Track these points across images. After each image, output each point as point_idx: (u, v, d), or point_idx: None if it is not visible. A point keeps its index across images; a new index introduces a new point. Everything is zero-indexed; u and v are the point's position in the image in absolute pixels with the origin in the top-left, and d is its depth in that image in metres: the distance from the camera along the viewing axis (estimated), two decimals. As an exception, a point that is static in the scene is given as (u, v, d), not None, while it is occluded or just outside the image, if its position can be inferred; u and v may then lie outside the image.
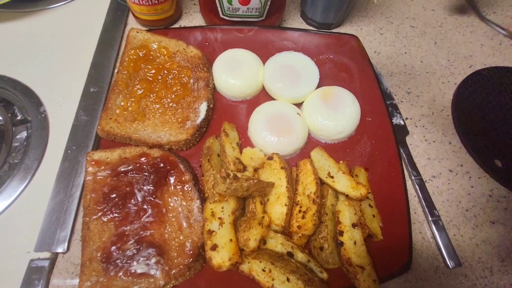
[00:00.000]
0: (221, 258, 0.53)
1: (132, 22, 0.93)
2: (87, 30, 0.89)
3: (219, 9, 0.82)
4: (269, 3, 0.80)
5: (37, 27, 0.90)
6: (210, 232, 0.56)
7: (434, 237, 0.67)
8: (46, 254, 0.62)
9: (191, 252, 0.55)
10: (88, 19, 0.92)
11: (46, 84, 0.81)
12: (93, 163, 0.61)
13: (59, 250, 0.62)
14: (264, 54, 0.80)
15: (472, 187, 0.74)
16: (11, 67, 0.82)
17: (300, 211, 0.59)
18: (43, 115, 0.77)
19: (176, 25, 0.93)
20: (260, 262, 0.55)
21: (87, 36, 0.88)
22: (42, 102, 0.79)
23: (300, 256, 0.57)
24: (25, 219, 0.66)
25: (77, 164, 0.70)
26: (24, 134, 0.76)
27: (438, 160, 0.77)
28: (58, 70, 0.83)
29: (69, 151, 0.71)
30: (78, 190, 0.67)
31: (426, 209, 0.69)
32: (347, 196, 0.63)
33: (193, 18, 0.95)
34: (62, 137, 0.73)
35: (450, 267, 0.63)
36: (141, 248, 0.54)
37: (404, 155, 0.75)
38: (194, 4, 0.97)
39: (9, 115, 0.78)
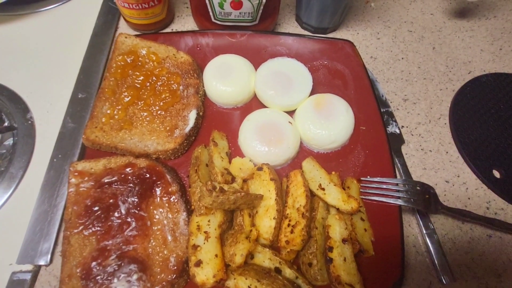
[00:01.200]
0: (205, 275, 0.52)
1: (123, 26, 0.91)
2: (77, 34, 0.88)
3: (210, 13, 0.80)
4: (261, 7, 0.78)
5: (25, 31, 0.88)
6: (195, 247, 0.54)
7: (428, 251, 0.65)
8: (29, 267, 0.61)
9: (175, 267, 0.54)
10: (79, 23, 0.90)
11: (33, 89, 0.79)
12: (76, 174, 0.60)
13: (42, 262, 0.60)
14: (257, 60, 0.78)
15: (469, 198, 0.72)
16: (-1, 72, 0.81)
17: (289, 225, 0.57)
18: (29, 121, 0.75)
19: (168, 29, 0.91)
20: (246, 279, 0.53)
21: (77, 40, 0.87)
22: (29, 108, 0.77)
23: (288, 272, 0.55)
24: (8, 229, 0.64)
25: (63, 173, 0.68)
26: (10, 141, 0.75)
27: (435, 170, 0.75)
28: (47, 75, 0.82)
29: (55, 160, 0.70)
30: (62, 200, 0.65)
31: (421, 222, 0.67)
32: (338, 209, 0.61)
33: (186, 22, 0.93)
34: (48, 145, 0.72)
35: (444, 283, 0.61)
36: (122, 264, 0.52)
37: (399, 165, 0.73)
38: (187, 7, 0.95)
39: (-5, 121, 0.76)
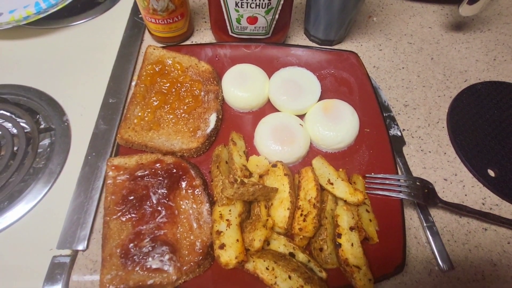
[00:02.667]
0: (228, 256, 0.58)
1: (148, 38, 1.00)
2: (106, 46, 0.97)
3: (228, 27, 0.89)
4: (274, 22, 0.87)
5: (61, 42, 0.97)
6: (219, 232, 0.61)
7: (428, 242, 0.71)
8: (67, 252, 0.67)
9: (201, 250, 0.60)
10: (108, 36, 0.99)
11: (68, 95, 0.88)
12: (113, 168, 0.67)
13: (79, 248, 0.67)
14: (270, 69, 0.86)
15: (465, 195, 0.78)
16: (37, 79, 0.89)
17: (301, 214, 0.64)
18: (65, 123, 0.84)
19: (188, 41, 1.00)
20: (264, 261, 0.59)
21: (106, 51, 0.95)
22: (65, 111, 0.85)
23: (301, 256, 0.62)
24: (48, 219, 0.71)
25: (97, 169, 0.76)
26: (47, 141, 0.83)
27: (434, 169, 0.81)
28: (80, 82, 0.90)
29: (89, 157, 0.78)
30: (97, 193, 0.73)
31: (421, 216, 0.73)
32: (345, 201, 0.67)
33: (204, 35, 1.02)
34: (83, 144, 0.79)
35: (444, 270, 0.67)
36: (155, 246, 0.59)
37: (400, 164, 0.80)
38: (205, 21, 1.05)
39: (34, 122, 0.84)
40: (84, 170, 0.76)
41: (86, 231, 0.69)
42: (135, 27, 1.01)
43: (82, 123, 0.83)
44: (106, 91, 0.88)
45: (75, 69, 0.93)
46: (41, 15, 0.94)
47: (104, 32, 1.00)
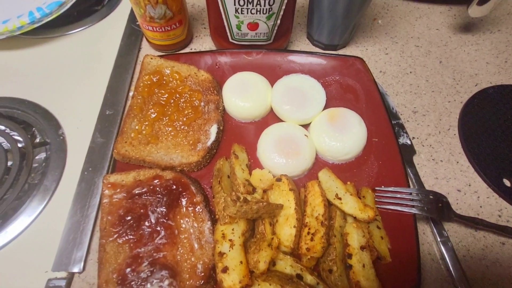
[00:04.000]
0: (232, 280, 0.55)
1: (145, 47, 0.97)
2: (102, 55, 0.94)
3: (228, 34, 0.86)
4: (276, 28, 0.83)
5: (56, 52, 0.95)
6: (221, 254, 0.58)
7: (443, 258, 0.67)
8: (63, 274, 0.64)
9: (202, 274, 0.57)
10: (104, 45, 0.96)
11: (64, 107, 0.85)
12: (109, 185, 0.64)
13: (75, 270, 0.64)
14: (272, 76, 0.83)
15: (480, 207, 0.74)
16: (32, 91, 0.87)
17: (308, 233, 0.60)
18: (61, 137, 0.81)
19: (187, 49, 0.97)
20: (270, 284, 0.56)
21: (103, 61, 0.93)
22: (60, 124, 0.82)
23: (309, 278, 0.58)
24: (43, 238, 0.68)
25: (93, 185, 0.73)
26: (43, 155, 0.80)
27: (446, 180, 0.77)
28: (76, 94, 0.87)
29: (85, 173, 0.75)
30: (94, 211, 0.70)
31: (435, 230, 0.69)
32: (355, 218, 0.64)
33: (203, 41, 0.99)
34: (79, 159, 0.76)
35: (460, 289, 0.63)
36: (154, 270, 0.55)
37: (411, 175, 0.76)
38: (204, 28, 1.01)
39: (29, 137, 0.82)
40: (80, 186, 0.73)
41: (82, 252, 0.66)
42: (133, 35, 0.98)
43: (78, 137, 0.80)
44: (102, 102, 0.85)
45: (71, 80, 0.90)
46: (36, 25, 0.91)
47: (101, 40, 0.98)
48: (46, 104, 0.85)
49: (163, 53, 0.90)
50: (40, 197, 0.73)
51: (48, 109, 0.84)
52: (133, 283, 0.54)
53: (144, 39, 0.97)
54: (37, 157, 0.80)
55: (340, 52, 0.97)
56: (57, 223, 0.69)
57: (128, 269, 0.55)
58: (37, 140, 0.82)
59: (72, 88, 0.88)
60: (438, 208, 0.67)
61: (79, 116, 0.84)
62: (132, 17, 1.02)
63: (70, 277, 0.64)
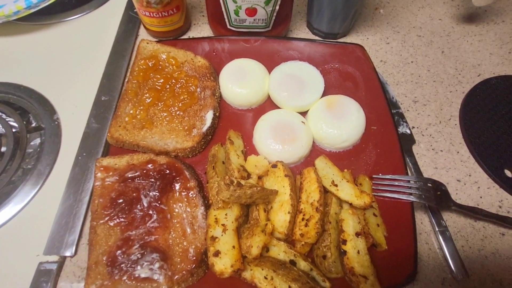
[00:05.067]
0: (223, 264, 0.54)
1: (143, 34, 0.96)
2: (100, 42, 0.93)
3: (226, 20, 0.84)
4: (275, 14, 0.82)
5: (52, 39, 0.94)
6: (213, 238, 0.57)
7: (441, 248, 0.66)
8: (55, 258, 0.64)
9: (194, 258, 0.56)
10: (101, 31, 0.95)
11: (60, 93, 0.84)
12: (102, 169, 0.63)
13: (67, 253, 0.63)
14: (270, 63, 0.82)
15: (481, 197, 0.73)
16: (28, 77, 0.86)
17: (303, 219, 0.59)
18: (56, 122, 0.80)
19: (185, 36, 0.96)
20: (262, 269, 0.55)
21: (100, 47, 0.92)
22: (55, 110, 0.82)
23: (303, 264, 0.57)
24: (36, 223, 0.68)
25: (87, 170, 0.72)
26: (37, 140, 0.79)
27: (446, 170, 0.76)
28: (72, 80, 0.87)
29: (79, 157, 0.74)
30: (87, 195, 0.69)
31: (433, 219, 0.67)
32: (351, 204, 0.63)
33: (202, 29, 0.97)
34: (73, 144, 0.76)
35: (458, 279, 0.62)
36: (145, 253, 0.55)
37: (410, 164, 0.74)
38: (203, 15, 1.00)
39: (24, 122, 0.81)
40: (74, 171, 0.72)
41: (74, 236, 0.65)
42: (130, 22, 0.97)
43: (73, 122, 0.80)
44: (98, 88, 0.84)
45: (67, 66, 0.89)
46: (32, 10, 0.90)
47: (98, 27, 0.97)
48: (42, 89, 0.84)
49: (160, 40, 0.89)
50: (34, 181, 0.72)
51: (44, 95, 0.84)
52: (123, 265, 0.53)
53: (142, 26, 0.96)
54: (32, 143, 0.79)
55: (340, 40, 0.95)
56: (50, 208, 0.68)
57: (119, 251, 0.54)
58: (32, 125, 0.81)
59: (68, 74, 0.88)
60: (437, 196, 0.66)
61: (74, 102, 0.83)
62: (130, 4, 1.01)
63: (62, 261, 0.64)
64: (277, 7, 0.80)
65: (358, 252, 0.56)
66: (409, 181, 0.67)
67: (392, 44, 0.96)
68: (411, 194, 0.65)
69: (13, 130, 0.78)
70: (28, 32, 0.95)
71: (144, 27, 0.93)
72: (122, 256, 0.54)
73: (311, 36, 0.97)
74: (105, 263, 0.54)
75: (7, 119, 0.80)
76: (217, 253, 0.55)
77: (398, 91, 0.87)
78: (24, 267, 0.62)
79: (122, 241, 0.55)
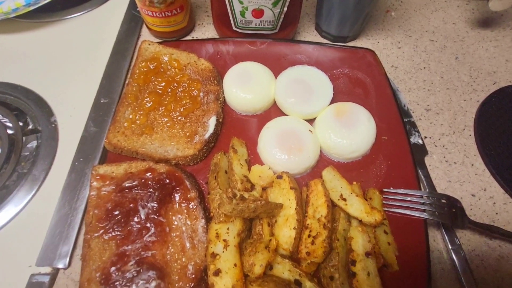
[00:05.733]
0: (224, 284, 0.50)
1: (145, 34, 0.93)
2: (100, 41, 0.90)
3: (231, 21, 0.81)
4: (282, 16, 0.78)
5: (52, 37, 0.91)
6: (214, 255, 0.53)
7: (454, 268, 0.62)
8: (47, 269, 0.61)
9: (193, 276, 0.53)
10: (102, 30, 0.92)
11: (58, 94, 0.81)
12: (98, 177, 0.60)
13: (60, 265, 0.60)
14: (277, 67, 0.78)
15: (496, 213, 0.69)
16: (26, 76, 0.83)
17: (309, 235, 0.56)
18: (53, 125, 0.77)
19: (188, 37, 0.92)
20: (266, 290, 0.51)
21: (100, 47, 0.89)
22: (53, 112, 0.79)
23: (309, 285, 0.53)
24: (29, 231, 0.65)
25: (84, 177, 0.69)
26: (34, 143, 0.76)
27: (460, 183, 0.72)
28: (71, 81, 0.83)
29: (76, 163, 0.71)
30: (83, 203, 0.66)
31: (446, 237, 0.64)
32: (360, 220, 0.59)
33: (206, 30, 0.94)
34: (70, 148, 0.73)
35: (473, 302, 0.58)
36: (141, 270, 0.51)
37: (422, 177, 0.71)
38: (208, 15, 0.97)
39: (21, 124, 0.78)
40: (70, 177, 0.69)
41: (68, 247, 0.62)
42: (132, 21, 0.94)
43: (71, 125, 0.77)
44: (98, 90, 0.81)
45: (67, 66, 0.86)
46: (32, 7, 0.87)
47: (99, 26, 0.93)
48: (40, 90, 0.81)
49: (163, 41, 0.86)
50: (28, 187, 0.69)
51: (41, 96, 0.81)
52: (117, 283, 0.50)
53: (144, 26, 0.93)
54: (28, 145, 0.77)
55: (350, 44, 0.92)
56: (44, 215, 0.65)
57: (113, 268, 0.51)
58: (29, 127, 0.78)
59: (67, 75, 0.84)
60: (452, 214, 0.62)
61: (73, 104, 0.80)
62: (132, 3, 0.97)
63: (55, 273, 0.61)
64: (285, 9, 0.76)
65: (368, 274, 0.52)
66: (422, 197, 0.63)
67: (403, 49, 0.92)
68: (424, 210, 0.62)
69: (9, 132, 0.75)
70: (27, 30, 0.92)
71: (147, 26, 0.90)
72: (117, 273, 0.51)
73: (320, 39, 0.93)
74: (98, 281, 0.50)
75: (2, 120, 0.77)
76: (217, 272, 0.51)
77: (409, 99, 0.84)
78: (15, 279, 0.60)
79: (117, 256, 0.52)
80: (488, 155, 0.75)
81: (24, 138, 0.76)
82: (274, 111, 0.76)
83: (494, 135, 0.77)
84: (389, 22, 0.98)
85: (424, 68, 0.89)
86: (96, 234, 0.55)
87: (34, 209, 0.67)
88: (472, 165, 0.75)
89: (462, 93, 0.85)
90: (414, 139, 0.76)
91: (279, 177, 0.62)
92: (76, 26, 0.93)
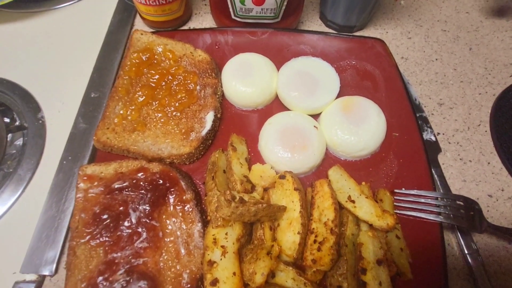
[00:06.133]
0: (222, 296, 0.46)
1: (139, 24, 0.87)
2: (92, 32, 0.85)
3: (230, 9, 0.75)
4: (285, 3, 0.73)
5: (40, 28, 0.86)
6: (211, 263, 0.49)
7: (471, 275, 0.58)
8: (33, 276, 0.57)
9: (189, 285, 0.49)
10: (94, 21, 0.87)
11: (46, 88, 0.77)
12: (85, 178, 0.56)
13: (46, 272, 0.56)
14: (279, 59, 0.74)
15: (516, 215, 0.64)
16: (11, 70, 0.79)
17: (315, 241, 0.51)
18: (40, 121, 0.72)
19: (185, 27, 0.87)
20: (268, 302, 0.47)
21: (91, 38, 0.84)
22: (40, 107, 0.74)
23: (314, 295, 0.49)
24: (13, 235, 0.61)
25: (72, 177, 0.65)
26: (21, 141, 0.72)
27: (476, 183, 0.67)
28: (60, 74, 0.79)
29: (64, 162, 0.66)
30: (71, 205, 0.62)
31: (462, 241, 0.59)
32: (370, 224, 0.54)
33: (204, 19, 0.89)
34: (58, 146, 0.69)
35: (492, 312, 0.54)
36: (131, 280, 0.47)
37: (435, 176, 0.66)
38: (205, 4, 0.91)
39: (8, 120, 0.74)
40: (57, 177, 0.65)
41: (55, 252, 0.58)
42: (126, 11, 0.89)
43: (59, 121, 0.72)
44: (88, 84, 0.76)
45: (55, 59, 0.81)
46: (17, -4, 0.82)
47: (90, 16, 0.88)
48: (26, 84, 0.77)
49: (157, 31, 0.81)
50: (13, 187, 0.65)
51: (28, 90, 0.76)
52: (104, 295, 0.46)
53: (138, 15, 0.88)
54: (16, 143, 0.72)
55: (357, 34, 0.86)
56: (30, 218, 0.62)
57: (100, 278, 0.47)
58: (15, 124, 0.73)
59: (55, 68, 0.80)
60: (469, 217, 0.57)
61: (61, 99, 0.75)
62: (126, -9, 0.92)
63: (41, 281, 0.57)
64: (288, -4, 0.71)
65: (380, 283, 0.48)
66: (437, 198, 0.58)
67: (414, 39, 0.87)
68: (439, 213, 0.57)
69: (-8, 129, 0.70)
70: (13, 21, 0.87)
71: (140, 16, 0.85)
72: (104, 283, 0.46)
73: (324, 29, 0.88)
74: (83, 292, 0.46)
75: (-13, 117, 0.73)
76: (214, 282, 0.47)
77: (421, 92, 0.78)
78: (-2, 287, 0.56)
79: (105, 264, 0.48)
80: (505, 152, 0.70)
81: (9, 135, 0.71)
82: (276, 106, 0.72)
83: (511, 131, 0.72)
84: (399, 11, 0.92)
85: (436, 59, 0.84)
86: (82, 240, 0.50)
87: (19, 211, 0.63)
88: (489, 163, 0.70)
89: (477, 86, 0.80)
90: (427, 135, 0.71)
91: (282, 177, 0.58)
92: (65, 17, 0.88)
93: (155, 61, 0.69)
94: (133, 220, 0.52)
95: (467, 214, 0.57)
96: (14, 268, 0.57)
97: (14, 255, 0.58)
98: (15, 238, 0.60)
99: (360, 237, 0.52)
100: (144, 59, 0.68)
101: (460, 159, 0.70)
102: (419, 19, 0.91)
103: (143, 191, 0.55)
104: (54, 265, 0.57)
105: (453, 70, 0.82)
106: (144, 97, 0.65)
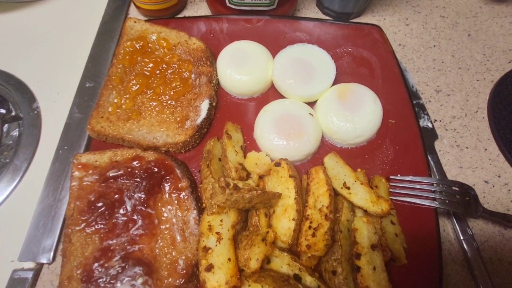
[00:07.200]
0: (217, 281, 0.46)
1: (133, 13, 0.87)
2: (86, 21, 0.84)
3: (225, -4, 0.74)
4: (280, -11, 0.72)
5: (34, 18, 0.85)
6: (206, 249, 0.49)
7: (466, 260, 0.58)
8: (31, 264, 0.57)
9: (184, 271, 0.49)
10: (88, 10, 0.86)
11: (41, 78, 0.76)
12: (80, 166, 0.56)
13: (44, 260, 0.57)
14: (275, 47, 0.73)
15: (511, 201, 0.64)
16: (5, 60, 0.78)
17: (310, 227, 0.52)
18: (35, 111, 0.72)
19: (180, 15, 0.86)
20: (262, 286, 0.47)
21: (86, 28, 0.83)
22: (35, 97, 0.74)
23: (309, 280, 0.49)
24: (11, 224, 0.61)
25: (68, 166, 0.65)
26: (16, 131, 0.72)
27: (472, 170, 0.67)
28: (54, 64, 0.78)
29: (60, 151, 0.66)
30: (67, 194, 0.62)
31: (457, 227, 0.60)
32: (365, 210, 0.54)
33: (199, 8, 0.87)
34: (54, 136, 0.69)
35: (486, 297, 0.54)
36: (126, 266, 0.47)
37: (432, 162, 0.66)
38: (200, -8, 0.90)
39: (3, 111, 0.74)
40: (53, 166, 0.65)
41: (52, 240, 0.59)
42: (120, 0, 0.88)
43: (55, 111, 0.72)
44: (83, 73, 0.76)
45: (50, 48, 0.80)
46: (10, -15, 0.81)
47: (84, 6, 0.87)
48: (20, 74, 0.77)
49: (152, 18, 0.80)
50: (9, 177, 0.65)
51: (23, 80, 0.76)
52: (100, 280, 0.46)
53: (132, 4, 0.87)
54: (12, 133, 0.72)
55: (354, 21, 0.85)
56: (27, 207, 0.62)
57: (96, 264, 0.47)
58: (11, 114, 0.73)
59: (50, 58, 0.79)
60: (465, 203, 0.57)
61: (56, 89, 0.75)
62: (119, -21, 0.90)
63: (38, 268, 0.57)
64: (284, -19, 0.70)
65: (374, 268, 0.48)
66: (432, 184, 0.58)
67: (412, 26, 0.86)
68: (434, 199, 0.57)
69: (-13, 120, 0.70)
70: (6, 11, 0.86)
71: (135, 5, 0.84)
72: (100, 269, 0.47)
73: (321, 16, 0.87)
74: (79, 278, 0.47)
75: (-18, 107, 0.72)
76: (210, 267, 0.47)
77: (418, 79, 0.78)
78: (-4, 275, 0.56)
79: (101, 251, 0.48)
80: (502, 139, 0.69)
81: (5, 125, 0.71)
82: (271, 93, 0.72)
83: (509, 117, 0.72)
84: (396, -3, 0.91)
85: (434, 46, 0.83)
86: (77, 228, 0.51)
87: (16, 201, 0.63)
88: (486, 149, 0.70)
89: (475, 73, 0.79)
90: (423, 122, 0.71)
91: (277, 164, 0.58)
92: (59, 6, 0.88)
93: (149, 50, 0.69)
94: (129, 208, 0.53)
95: (463, 200, 0.57)
96: (12, 257, 0.57)
97: (12, 243, 0.58)
98: (13, 227, 0.60)
99: (354, 223, 0.52)
100: (137, 47, 0.68)
101: (457, 145, 0.70)
102: (417, 5, 0.90)
103: (138, 179, 0.55)
104: (52, 253, 0.57)
105: (451, 56, 0.81)
106: (138, 85, 0.65)
